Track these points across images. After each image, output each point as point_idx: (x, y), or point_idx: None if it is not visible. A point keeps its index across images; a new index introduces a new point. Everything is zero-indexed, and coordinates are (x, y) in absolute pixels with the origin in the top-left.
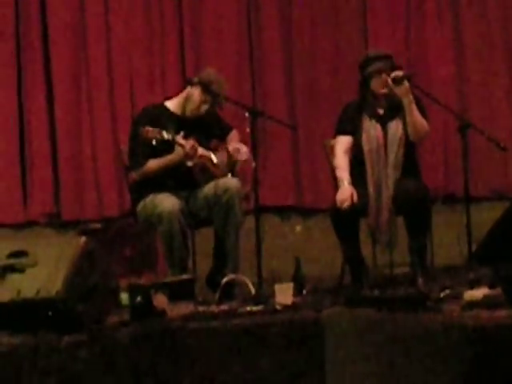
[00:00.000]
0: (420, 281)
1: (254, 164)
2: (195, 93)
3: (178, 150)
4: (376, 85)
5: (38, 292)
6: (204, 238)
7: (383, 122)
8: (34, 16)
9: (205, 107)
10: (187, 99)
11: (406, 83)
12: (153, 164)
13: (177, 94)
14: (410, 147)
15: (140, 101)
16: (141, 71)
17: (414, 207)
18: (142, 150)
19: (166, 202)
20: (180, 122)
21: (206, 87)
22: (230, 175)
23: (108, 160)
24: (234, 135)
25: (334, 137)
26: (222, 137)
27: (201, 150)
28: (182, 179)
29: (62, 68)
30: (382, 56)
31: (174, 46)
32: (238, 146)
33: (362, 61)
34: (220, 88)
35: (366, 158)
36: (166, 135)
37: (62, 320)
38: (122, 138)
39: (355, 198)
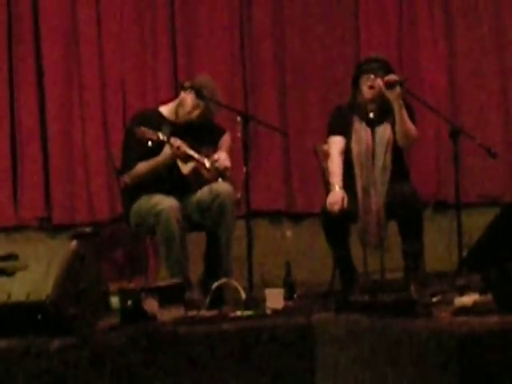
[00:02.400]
0: (413, 287)
1: (244, 169)
2: (188, 98)
3: (166, 150)
4: (364, 84)
5: (28, 295)
6: (195, 243)
7: (373, 125)
8: (26, 21)
9: (196, 112)
10: (180, 104)
11: (398, 88)
12: (142, 166)
13: (168, 99)
14: (398, 151)
15: (131, 105)
16: (132, 75)
17: (408, 212)
18: (134, 152)
19: (165, 202)
20: (173, 127)
21: (198, 92)
22: (220, 180)
23: (99, 164)
24: (225, 139)
25: (326, 139)
26: (215, 140)
27: (191, 152)
28: (174, 183)
29: (53, 72)
30: (376, 59)
31: (166, 50)
32: (216, 157)
33: (358, 62)
34: (212, 93)
35: (354, 161)
36: (161, 136)
37: (52, 323)
38: (113, 142)
39: (346, 202)
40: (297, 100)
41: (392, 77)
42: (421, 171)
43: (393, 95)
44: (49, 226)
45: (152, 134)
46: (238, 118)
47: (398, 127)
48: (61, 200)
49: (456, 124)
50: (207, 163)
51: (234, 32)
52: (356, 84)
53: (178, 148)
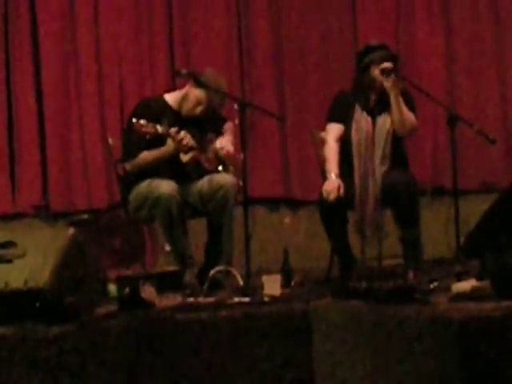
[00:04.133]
0: (411, 273)
1: (242, 156)
2: (191, 93)
3: (170, 143)
4: (376, 72)
5: (25, 283)
6: (195, 231)
7: (373, 114)
8: (22, 8)
9: (200, 109)
10: (184, 98)
11: (394, 76)
12: (145, 156)
13: (167, 87)
14: (398, 140)
15: (129, 93)
16: (130, 63)
17: (402, 198)
18: (135, 141)
19: (164, 186)
20: (176, 116)
21: (195, 79)
22: (220, 168)
23: (97, 152)
24: (228, 126)
25: (325, 124)
26: (218, 129)
27: (193, 143)
28: (174, 172)
29: (50, 60)
30: (382, 46)
31: (163, 38)
32: (218, 145)
33: (363, 49)
34: (212, 82)
35: (353, 149)
36: (159, 129)
37: (50, 311)
38: (110, 129)
39: (342, 190)
40: (294, 87)
41: (387, 65)
42: (418, 158)
43: (388, 83)
44: (47, 214)
45: (150, 127)
46: (235, 105)
47: (394, 115)
48: (58, 187)
49: (453, 111)
50: (208, 153)
51: (231, 18)
52: (363, 72)
53: (181, 141)
